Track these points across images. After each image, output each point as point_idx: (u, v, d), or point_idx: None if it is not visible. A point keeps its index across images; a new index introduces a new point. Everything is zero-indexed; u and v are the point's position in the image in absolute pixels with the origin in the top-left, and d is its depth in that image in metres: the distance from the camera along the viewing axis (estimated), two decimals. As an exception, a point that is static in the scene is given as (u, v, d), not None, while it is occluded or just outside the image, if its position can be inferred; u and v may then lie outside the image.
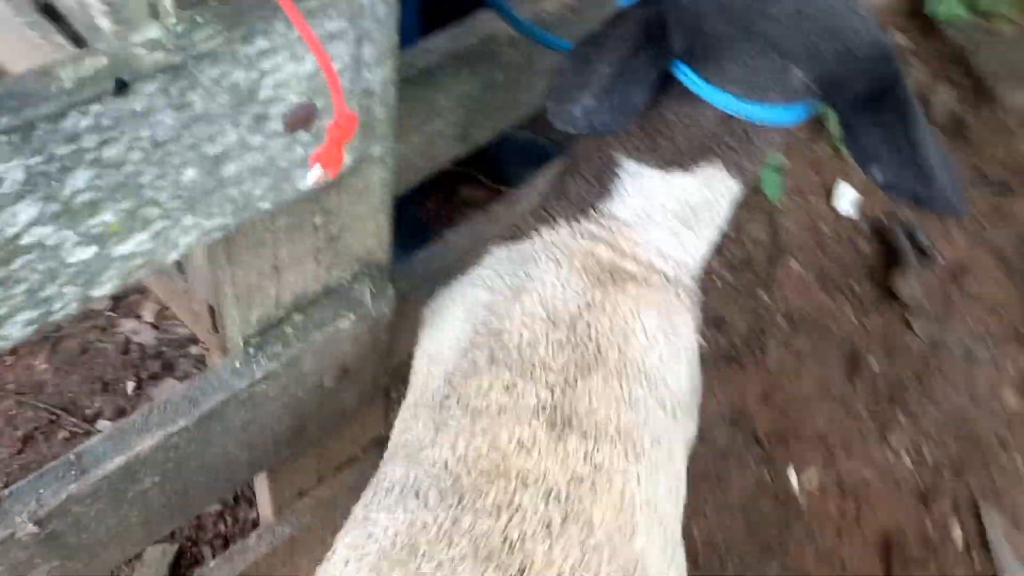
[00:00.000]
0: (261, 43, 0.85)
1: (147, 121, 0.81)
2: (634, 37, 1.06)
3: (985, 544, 2.49)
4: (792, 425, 2.62)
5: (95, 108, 0.76)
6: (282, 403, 1.34)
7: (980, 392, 2.80)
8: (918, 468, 2.61)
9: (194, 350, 2.42)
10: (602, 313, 1.18)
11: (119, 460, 1.15)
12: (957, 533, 2.50)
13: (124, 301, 2.49)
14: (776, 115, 1.12)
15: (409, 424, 1.22)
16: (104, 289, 0.92)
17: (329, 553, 1.18)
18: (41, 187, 0.78)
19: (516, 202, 1.86)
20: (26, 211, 0.78)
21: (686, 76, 1.10)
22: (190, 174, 0.89)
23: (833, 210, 3.14)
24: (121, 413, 2.31)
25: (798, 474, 2.55)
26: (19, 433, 2.25)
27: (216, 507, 2.22)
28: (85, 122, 0.76)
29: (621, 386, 1.16)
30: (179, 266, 1.81)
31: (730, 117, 1.12)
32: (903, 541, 2.47)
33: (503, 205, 1.88)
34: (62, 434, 2.25)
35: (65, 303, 0.89)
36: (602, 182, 1.23)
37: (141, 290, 2.50)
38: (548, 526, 1.03)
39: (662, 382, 1.21)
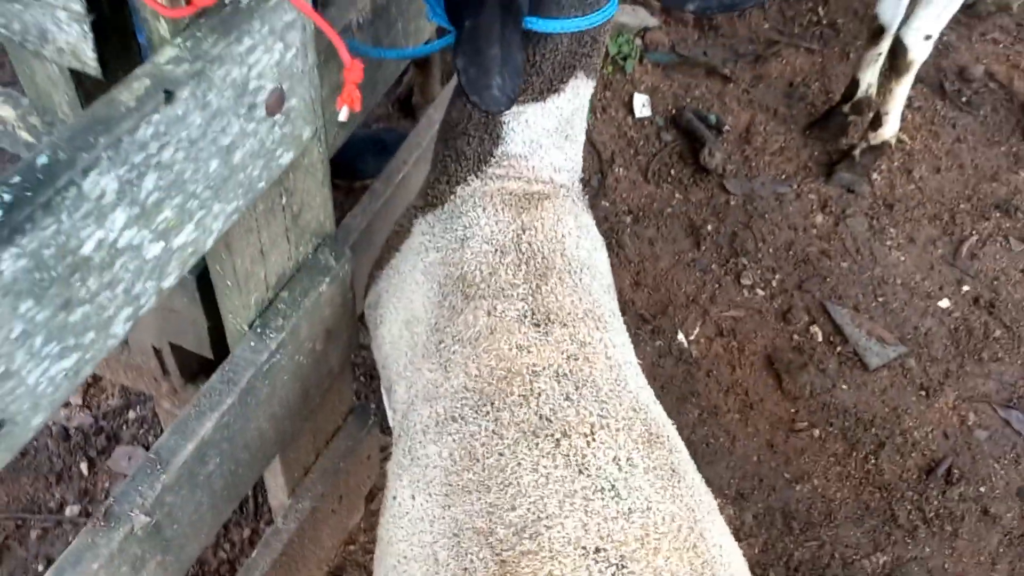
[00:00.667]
0: (247, 41, 1.07)
1: (184, 123, 1.02)
2: (498, 17, 1.33)
3: (840, 332, 2.99)
4: (665, 297, 3.02)
5: (155, 117, 0.97)
6: (290, 372, 1.54)
7: (796, 222, 3.31)
8: (771, 296, 3.09)
9: (132, 415, 2.50)
10: (534, 231, 1.47)
11: (191, 447, 1.32)
12: (817, 332, 2.99)
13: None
14: (605, 13, 1.43)
15: (413, 379, 1.45)
16: (170, 280, 1.11)
17: (388, 501, 1.40)
18: (127, 193, 0.97)
19: (389, 181, 2.12)
20: (120, 217, 0.97)
21: (538, 23, 1.39)
22: (214, 165, 1.10)
23: (634, 118, 3.57)
24: (85, 494, 2.37)
25: (684, 334, 2.96)
26: (-10, 547, 2.27)
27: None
28: (150, 131, 0.97)
29: (574, 279, 1.46)
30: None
31: (580, 33, 1.43)
32: (781, 354, 2.93)
33: (380, 184, 2.13)
34: (35, 533, 2.28)
35: (147, 298, 1.08)
36: (491, 131, 1.50)
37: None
38: (567, 397, 1.31)
39: (595, 269, 1.52)
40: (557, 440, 1.25)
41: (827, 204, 3.39)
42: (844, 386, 2.88)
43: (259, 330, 1.46)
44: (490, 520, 1.21)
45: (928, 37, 3.01)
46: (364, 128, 3.02)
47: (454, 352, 1.39)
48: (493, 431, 1.28)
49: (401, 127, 3.29)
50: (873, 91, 3.44)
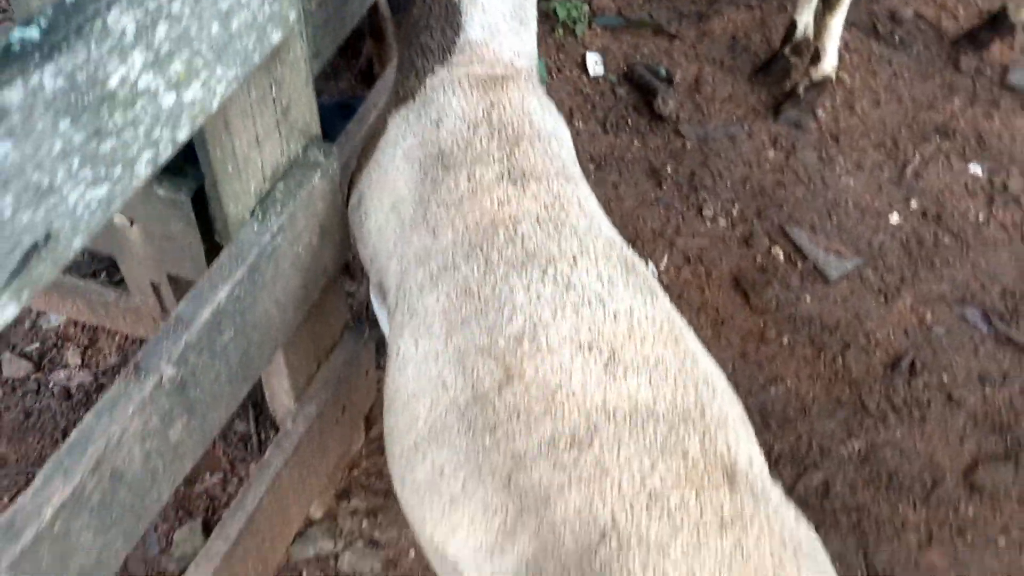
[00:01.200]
0: (237, -89, 1.21)
1: (188, -21, 1.15)
2: None
3: (800, 251, 3.16)
4: (632, 233, 3.18)
5: (164, -33, 1.10)
6: (290, 260, 1.67)
7: (750, 158, 3.49)
8: (732, 224, 3.25)
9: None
10: (502, 107, 1.62)
11: (207, 312, 1.45)
12: (778, 252, 3.16)
13: (45, 359, 2.62)
14: None
15: (404, 251, 1.58)
16: (182, 134, 1.24)
17: (391, 359, 1.53)
18: (143, 36, 1.10)
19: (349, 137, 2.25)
20: (138, 58, 1.11)
21: None
22: (215, 27, 1.23)
23: (589, 76, 3.74)
24: (94, 445, 2.46)
25: (655, 264, 3.11)
26: (5, 501, 2.36)
27: (216, 479, 2.46)
28: (160, -21, 1.10)
29: (543, 144, 1.61)
30: (108, 280, 2.05)
31: None
32: (746, 275, 3.09)
33: (343, 138, 2.26)
34: (49, 484, 2.37)
35: (164, 146, 1.21)
36: (450, 22, 1.66)
37: (56, 344, 2.65)
38: (548, 236, 1.46)
39: (561, 139, 1.67)
40: (543, 269, 1.39)
41: (777, 140, 3.57)
42: (808, 298, 3.04)
43: (260, 216, 1.59)
44: (490, 336, 1.35)
45: (854, -30, 3.21)
46: (331, 98, 3.17)
47: (440, 216, 1.53)
48: (484, 270, 1.42)
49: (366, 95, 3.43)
50: (811, 32, 3.64)
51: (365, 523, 2.40)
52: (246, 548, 1.85)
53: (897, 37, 4.10)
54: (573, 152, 1.72)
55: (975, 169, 3.53)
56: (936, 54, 4.03)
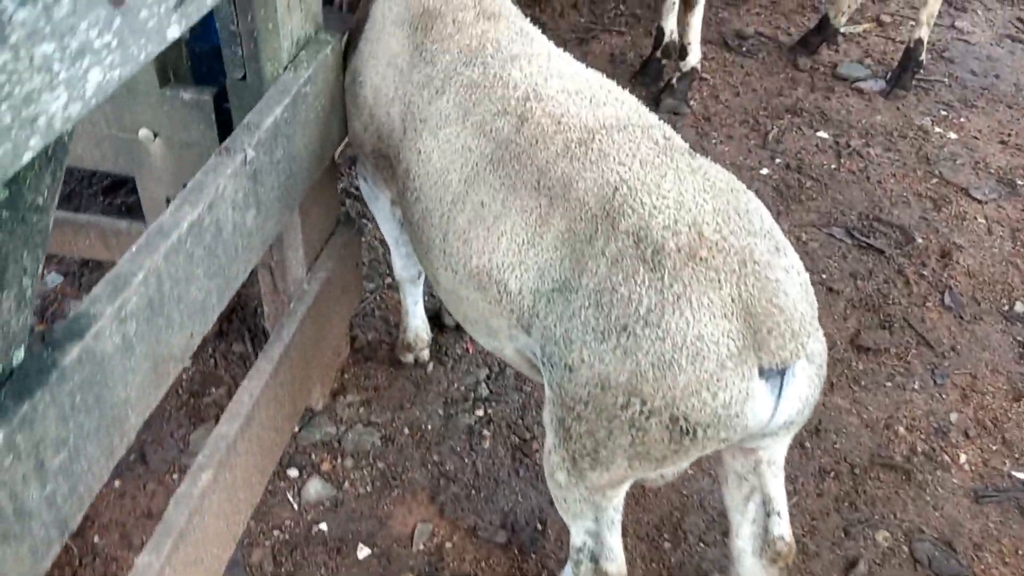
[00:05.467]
0: None
1: None
2: None
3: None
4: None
5: None
6: (314, 112, 2.08)
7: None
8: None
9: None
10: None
11: (269, 120, 1.84)
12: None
13: (47, 314, 2.86)
14: None
15: (405, 89, 2.02)
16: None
17: (413, 160, 1.95)
18: None
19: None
20: None
21: None
22: None
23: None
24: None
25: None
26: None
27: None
28: None
29: (509, 11, 2.11)
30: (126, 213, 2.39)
31: None
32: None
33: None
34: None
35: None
36: None
37: (57, 299, 2.89)
38: (524, 46, 1.96)
39: (515, 10, 2.18)
40: (528, 59, 1.89)
41: (661, 123, 4.21)
42: (705, 230, 3.60)
43: (293, 70, 2.00)
44: (502, 104, 1.81)
45: (705, -27, 3.95)
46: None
47: (435, 50, 1.99)
48: (483, 69, 1.90)
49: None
50: (676, 36, 4.36)
51: (361, 410, 2.72)
52: (281, 375, 2.15)
53: (744, 48, 4.90)
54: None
55: (822, 134, 4.26)
56: (778, 58, 4.84)
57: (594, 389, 1.58)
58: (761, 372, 1.52)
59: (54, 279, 2.94)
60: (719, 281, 1.51)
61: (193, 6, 1.45)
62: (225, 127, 2.27)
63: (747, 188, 1.70)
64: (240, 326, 2.87)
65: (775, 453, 1.80)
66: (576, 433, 1.66)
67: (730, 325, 1.50)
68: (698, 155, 1.73)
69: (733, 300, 1.50)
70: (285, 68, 2.01)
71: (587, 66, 1.98)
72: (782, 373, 1.55)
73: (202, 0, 1.48)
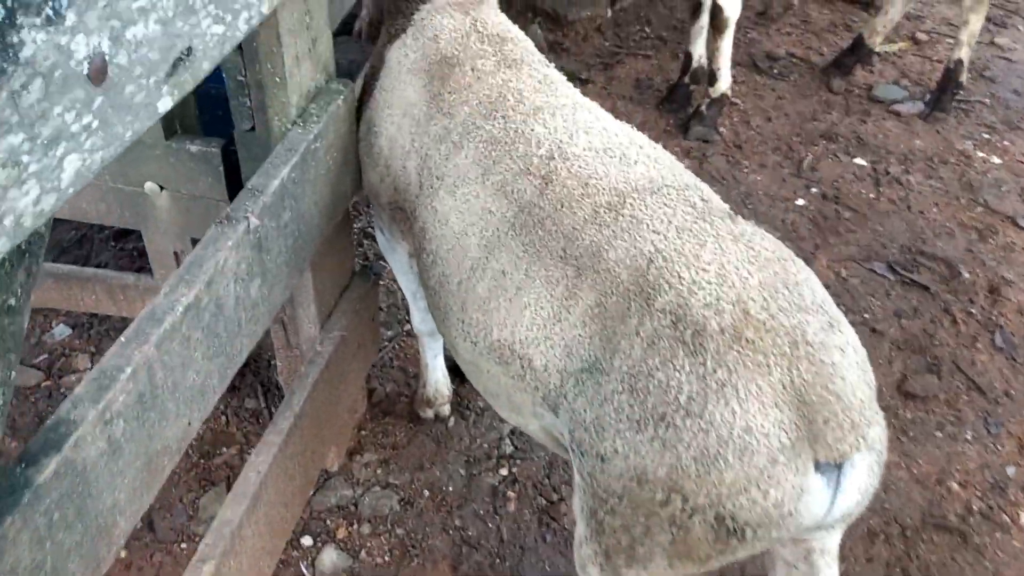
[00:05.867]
0: None
1: None
2: None
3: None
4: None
5: None
6: (324, 167, 1.95)
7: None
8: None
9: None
10: (484, 22, 2.00)
11: (275, 183, 1.71)
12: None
13: (54, 368, 2.75)
14: None
15: (422, 142, 1.88)
16: (265, 8, 1.54)
17: (429, 219, 1.81)
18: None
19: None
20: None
21: None
22: (284, -72, 1.57)
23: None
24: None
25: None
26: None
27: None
28: None
29: (523, 45, 1.99)
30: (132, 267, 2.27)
31: None
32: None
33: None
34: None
35: (255, 12, 1.51)
36: None
37: (64, 354, 2.78)
38: (548, 95, 1.81)
39: (530, 42, 2.05)
40: (552, 113, 1.74)
41: (690, 152, 4.06)
42: (739, 266, 3.43)
43: (301, 124, 1.88)
44: (524, 163, 1.67)
45: (735, -4, 3.80)
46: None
47: (453, 101, 1.86)
48: (504, 123, 1.75)
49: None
50: (704, 61, 4.20)
51: (379, 471, 2.58)
52: (291, 448, 2.02)
53: (776, 71, 4.73)
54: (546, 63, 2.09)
55: (860, 161, 4.08)
56: (810, 80, 4.67)
57: (629, 483, 1.43)
58: (817, 467, 1.37)
59: (62, 331, 2.84)
60: (768, 366, 1.35)
61: (187, 74, 1.33)
62: (236, 177, 2.15)
63: (782, 235, 1.54)
64: (253, 380, 2.74)
65: (829, 543, 1.64)
66: (610, 527, 1.51)
67: (781, 415, 1.34)
68: (739, 218, 1.58)
69: (784, 387, 1.35)
70: (294, 123, 1.88)
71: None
72: (839, 466, 1.39)
73: (197, 66, 1.35)
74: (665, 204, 1.54)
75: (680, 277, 1.42)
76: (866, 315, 3.26)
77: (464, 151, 1.78)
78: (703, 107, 4.11)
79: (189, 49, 1.33)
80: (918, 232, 3.66)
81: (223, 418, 2.66)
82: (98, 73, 1.11)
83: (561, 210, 1.59)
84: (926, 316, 3.28)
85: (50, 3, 0.98)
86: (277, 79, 1.82)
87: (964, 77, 4.31)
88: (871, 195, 3.87)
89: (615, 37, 4.94)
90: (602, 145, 1.66)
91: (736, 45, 4.60)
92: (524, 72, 1.87)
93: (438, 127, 1.86)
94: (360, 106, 2.11)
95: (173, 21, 1.26)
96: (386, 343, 2.96)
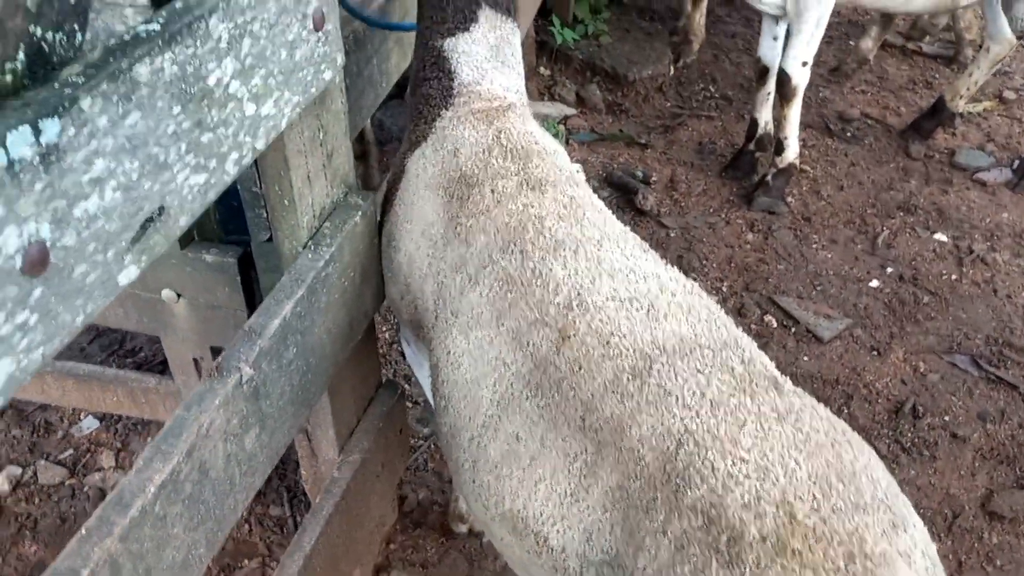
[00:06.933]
0: (302, -43, 1.43)
1: (264, 6, 1.35)
2: None
3: (791, 317, 3.33)
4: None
5: (251, -9, 1.30)
6: (339, 292, 1.80)
7: (731, 241, 3.72)
8: (724, 299, 3.43)
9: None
10: (508, 132, 1.82)
11: (276, 323, 1.56)
12: (771, 320, 3.33)
13: (79, 465, 2.65)
14: None
15: (439, 267, 1.71)
16: (260, 144, 1.40)
17: (441, 359, 1.63)
18: (233, 47, 1.29)
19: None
20: (229, 65, 1.29)
21: None
22: (283, 54, 1.43)
23: (569, 183, 4.02)
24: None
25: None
26: (43, 603, 2.33)
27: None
28: (245, 1, 1.30)
29: (550, 158, 1.80)
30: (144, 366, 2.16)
31: None
32: (745, 341, 3.24)
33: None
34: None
35: (247, 152, 1.37)
36: (443, 70, 1.88)
37: (89, 449, 2.69)
38: (572, 226, 1.61)
39: (562, 154, 1.87)
40: (574, 250, 1.54)
41: (754, 225, 3.82)
42: (805, 358, 3.18)
43: (312, 247, 1.73)
44: (540, 309, 1.48)
45: (804, 64, 3.56)
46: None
47: (471, 226, 1.68)
48: (521, 260, 1.57)
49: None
50: (771, 127, 3.97)
51: (406, 592, 2.40)
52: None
53: (849, 133, 4.46)
54: (572, 166, 1.90)
55: (940, 236, 3.78)
56: (887, 144, 4.38)
57: None
58: None
59: (90, 424, 2.74)
60: None
61: (159, 235, 1.18)
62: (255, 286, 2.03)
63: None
64: (278, 485, 2.60)
65: None
66: None
67: (835, 647, 1.12)
68: (786, 384, 1.35)
69: None
70: (305, 245, 1.73)
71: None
72: None
73: (172, 224, 1.21)
74: (698, 371, 1.32)
75: (714, 468, 1.21)
76: (946, 417, 2.97)
77: (479, 287, 1.60)
78: (769, 177, 3.87)
79: (161, 208, 1.19)
80: (1005, 320, 3.35)
81: (246, 526, 2.52)
82: (35, 264, 0.97)
83: (579, 372, 1.39)
84: (1014, 420, 2.97)
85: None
86: (286, 202, 1.68)
87: (1057, 144, 3.98)
88: (953, 276, 3.57)
89: (677, 97, 4.73)
90: (628, 293, 1.46)
91: (806, 104, 4.35)
92: (548, 195, 1.68)
93: (455, 254, 1.69)
94: (383, 214, 1.96)
95: (139, 183, 1.12)
96: (421, 441, 2.80)
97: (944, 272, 3.59)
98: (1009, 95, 4.75)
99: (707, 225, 3.80)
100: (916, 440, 2.90)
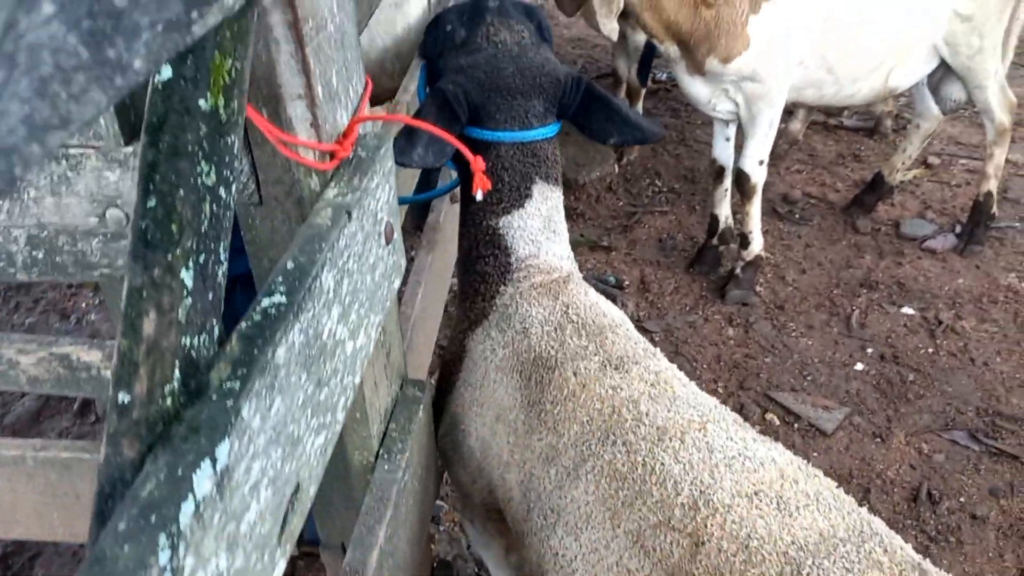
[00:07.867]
0: (375, 179, 1.37)
1: (355, 239, 1.29)
2: (433, 113, 1.73)
3: (791, 412, 3.35)
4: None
5: (345, 231, 1.24)
6: (414, 495, 1.70)
7: (714, 339, 3.74)
8: (723, 400, 3.41)
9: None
10: (575, 306, 1.77)
11: (374, 558, 1.46)
12: (773, 418, 3.34)
13: None
14: (542, 133, 1.83)
15: (524, 457, 1.63)
16: (356, 378, 1.32)
17: (547, 560, 1.54)
18: (337, 292, 1.22)
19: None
20: (335, 311, 1.21)
21: (475, 132, 1.79)
22: (368, 279, 1.36)
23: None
24: None
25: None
26: None
27: None
28: (343, 242, 1.23)
29: (621, 331, 1.75)
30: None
31: (523, 145, 1.81)
32: (753, 444, 3.23)
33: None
34: None
35: (349, 393, 1.28)
36: (499, 246, 1.84)
37: None
38: (668, 410, 1.55)
39: (625, 321, 1.83)
40: (681, 438, 1.49)
41: (732, 319, 3.86)
42: (815, 454, 3.20)
43: (386, 456, 1.64)
44: (663, 512, 1.41)
45: (761, 162, 3.66)
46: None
47: (557, 414, 1.62)
48: (626, 451, 1.51)
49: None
50: (731, 221, 4.06)
51: None
52: None
53: (796, 215, 4.60)
54: (631, 327, 1.87)
55: (908, 310, 3.90)
56: (834, 222, 4.53)
57: None
58: None
59: None
60: None
61: (295, 520, 1.08)
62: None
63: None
64: None
65: None
66: None
67: None
68: (928, 564, 1.32)
69: None
70: (377, 455, 1.64)
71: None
72: None
73: (304, 501, 1.11)
74: (849, 569, 1.28)
75: None
76: (962, 499, 3.02)
77: (582, 483, 1.53)
78: (738, 270, 3.94)
79: (296, 487, 1.09)
80: (989, 389, 3.45)
81: None
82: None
83: None
84: (1024, 492, 3.04)
85: None
86: (357, 415, 1.59)
87: (995, 209, 4.19)
88: (929, 349, 3.67)
89: (627, 195, 4.80)
90: (752, 487, 1.41)
91: (754, 193, 4.49)
92: (635, 374, 1.63)
93: (543, 444, 1.62)
94: (440, 393, 1.88)
95: (281, 471, 1.03)
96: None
97: (920, 346, 3.69)
98: (934, 160, 5.00)
99: (688, 324, 3.82)
100: (940, 527, 2.92)
